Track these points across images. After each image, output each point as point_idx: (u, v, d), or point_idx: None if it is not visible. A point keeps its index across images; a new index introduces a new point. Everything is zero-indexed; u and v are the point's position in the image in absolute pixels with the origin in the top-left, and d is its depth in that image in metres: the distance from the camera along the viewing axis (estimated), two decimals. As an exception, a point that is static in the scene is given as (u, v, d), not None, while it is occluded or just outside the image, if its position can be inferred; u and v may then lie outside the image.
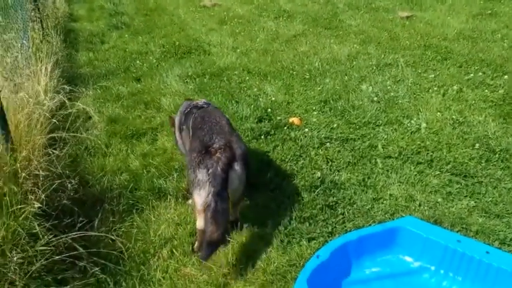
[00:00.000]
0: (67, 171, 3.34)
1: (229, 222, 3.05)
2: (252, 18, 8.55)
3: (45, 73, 5.10)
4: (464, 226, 3.10)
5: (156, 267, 2.95)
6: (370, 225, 3.14)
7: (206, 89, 5.48)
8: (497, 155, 3.88)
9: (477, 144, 4.01)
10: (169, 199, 3.57)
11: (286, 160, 3.92)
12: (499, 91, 5.02)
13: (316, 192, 3.48)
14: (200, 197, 2.80)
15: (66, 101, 4.02)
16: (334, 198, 3.43)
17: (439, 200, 3.41)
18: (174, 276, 2.88)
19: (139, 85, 5.89)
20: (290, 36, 7.31)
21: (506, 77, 5.34)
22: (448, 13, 8.24)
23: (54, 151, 3.39)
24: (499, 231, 3.06)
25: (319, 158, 3.91)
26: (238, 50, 6.85)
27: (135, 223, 3.34)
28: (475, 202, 3.38)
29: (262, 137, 4.28)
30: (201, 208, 2.84)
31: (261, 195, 3.51)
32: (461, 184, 3.57)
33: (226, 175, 2.72)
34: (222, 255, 2.98)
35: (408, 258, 2.84)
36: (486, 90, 5.07)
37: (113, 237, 3.08)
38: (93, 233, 3.01)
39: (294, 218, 3.24)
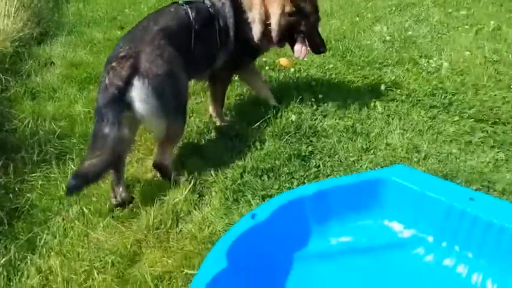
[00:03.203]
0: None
1: (155, 165, 2.40)
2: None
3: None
4: (485, 184, 2.19)
5: (56, 229, 2.20)
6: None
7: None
8: (542, 99, 2.87)
9: (514, 83, 3.01)
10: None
11: (260, 104, 3.05)
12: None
13: (285, 139, 2.61)
14: None
15: None
16: (310, 147, 2.56)
17: (454, 150, 2.48)
18: (76, 243, 2.12)
19: (119, 32, 5.13)
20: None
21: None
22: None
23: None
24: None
25: (303, 101, 3.01)
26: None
27: (52, 175, 2.59)
28: (505, 154, 2.42)
29: (236, 77, 3.41)
30: None
31: (215, 144, 2.70)
32: (487, 132, 2.62)
33: (118, 92, 2.07)
34: (143, 216, 2.20)
35: (396, 225, 1.95)
36: (532, 27, 3.98)
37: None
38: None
39: (248, 170, 2.40)
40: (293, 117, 2.77)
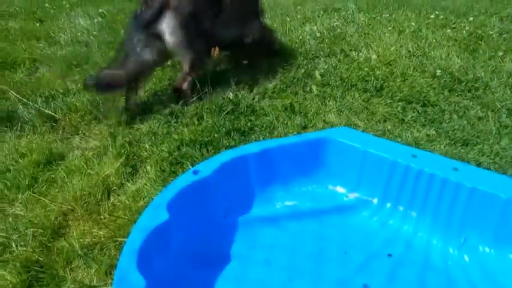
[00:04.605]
0: None
1: (175, 89, 2.65)
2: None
3: None
4: (421, 153, 2.22)
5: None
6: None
7: (114, 22, 4.47)
8: (463, 85, 3.04)
9: (438, 71, 3.17)
10: (22, 126, 2.56)
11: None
12: (463, 31, 4.22)
13: (223, 116, 2.52)
14: None
15: None
16: (249, 123, 2.49)
17: (389, 127, 2.54)
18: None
19: (38, 24, 4.83)
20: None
21: (471, 19, 4.57)
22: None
23: None
24: (470, 159, 2.19)
25: (240, 82, 2.96)
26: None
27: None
28: (437, 131, 2.52)
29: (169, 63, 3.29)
30: None
31: (147, 121, 2.55)
32: (418, 112, 2.72)
33: (148, 21, 2.31)
34: (70, 188, 1.99)
35: (340, 189, 1.91)
36: (449, 30, 4.27)
37: None
38: None
39: (186, 142, 2.27)
40: (231, 95, 2.70)
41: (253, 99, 2.78)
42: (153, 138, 2.38)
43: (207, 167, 1.64)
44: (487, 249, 1.63)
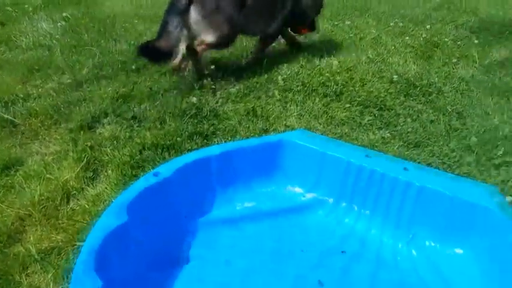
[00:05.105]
0: None
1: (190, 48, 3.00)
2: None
3: None
4: (376, 154, 2.31)
5: None
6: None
7: (78, 26, 4.44)
8: (418, 90, 3.18)
9: (395, 77, 3.30)
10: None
11: (159, 91, 2.97)
12: (420, 38, 4.40)
13: (186, 120, 2.56)
14: None
15: None
16: (212, 128, 2.54)
17: (347, 130, 2.63)
18: None
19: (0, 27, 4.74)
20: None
21: (428, 26, 4.76)
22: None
23: None
24: (421, 159, 2.30)
25: (202, 88, 3.00)
26: (134, 2, 5.85)
27: None
28: (391, 133, 2.63)
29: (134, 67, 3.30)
30: None
31: (110, 126, 2.55)
32: (374, 115, 2.83)
33: (179, 11, 2.80)
34: (27, 193, 1.98)
35: (298, 190, 1.98)
36: (407, 38, 4.43)
37: None
38: None
39: (148, 146, 2.30)
40: (194, 99, 2.74)
41: (217, 103, 2.82)
42: (115, 142, 2.39)
43: (167, 168, 1.68)
44: (433, 244, 1.72)
